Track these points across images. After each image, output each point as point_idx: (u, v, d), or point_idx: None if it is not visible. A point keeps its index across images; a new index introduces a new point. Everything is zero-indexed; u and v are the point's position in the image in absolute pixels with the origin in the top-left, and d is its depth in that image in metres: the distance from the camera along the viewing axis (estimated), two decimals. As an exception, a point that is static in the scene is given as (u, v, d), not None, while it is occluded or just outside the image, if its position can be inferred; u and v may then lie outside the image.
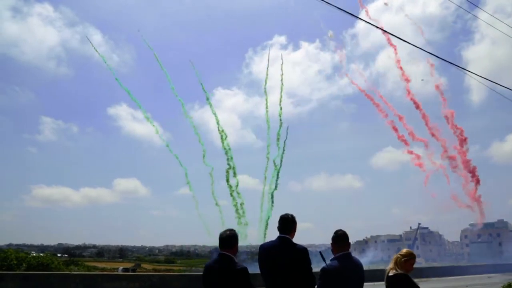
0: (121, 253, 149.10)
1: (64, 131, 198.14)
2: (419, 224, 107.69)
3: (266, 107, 63.75)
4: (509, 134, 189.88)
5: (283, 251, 4.14)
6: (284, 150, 60.68)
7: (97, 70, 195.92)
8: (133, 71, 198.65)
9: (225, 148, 59.56)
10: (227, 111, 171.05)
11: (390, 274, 4.29)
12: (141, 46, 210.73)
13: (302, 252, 4.14)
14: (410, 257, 4.37)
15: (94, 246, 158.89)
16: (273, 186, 59.85)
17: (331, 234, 4.32)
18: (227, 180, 58.50)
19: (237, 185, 59.48)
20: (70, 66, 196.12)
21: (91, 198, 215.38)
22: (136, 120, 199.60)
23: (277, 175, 60.34)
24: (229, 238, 4.11)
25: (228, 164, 58.54)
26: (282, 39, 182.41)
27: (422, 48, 9.47)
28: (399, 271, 4.27)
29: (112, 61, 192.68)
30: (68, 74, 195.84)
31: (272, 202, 58.82)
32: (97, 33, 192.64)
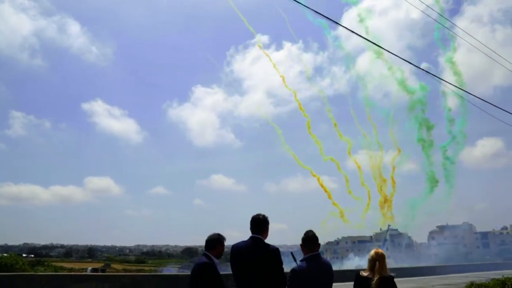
0: (90, 253, 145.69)
1: (36, 127, 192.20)
2: (389, 225, 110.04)
3: None
4: (479, 139, 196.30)
5: (255, 251, 4.13)
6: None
7: (74, 63, 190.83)
8: (112, 65, 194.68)
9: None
10: (207, 110, 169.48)
11: (386, 275, 4.33)
12: (123, 40, 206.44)
13: (274, 253, 4.14)
14: None
15: (62, 246, 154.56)
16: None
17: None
18: None
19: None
20: (45, 58, 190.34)
21: (62, 196, 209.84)
22: (112, 117, 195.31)
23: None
24: (213, 241, 4.56)
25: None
26: (265, 38, 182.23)
27: (398, 55, 9.68)
28: (388, 273, 4.36)
29: (91, 54, 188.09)
30: (42, 66, 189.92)
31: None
32: (75, 24, 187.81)
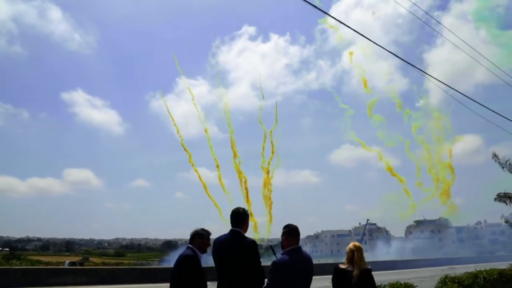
0: (68, 246, 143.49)
1: (13, 117, 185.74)
2: (368, 220, 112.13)
3: None
4: (459, 135, 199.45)
5: (234, 244, 4.18)
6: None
7: (55, 51, 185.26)
8: (95, 53, 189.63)
9: None
10: (190, 102, 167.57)
11: (364, 267, 4.50)
12: (107, 28, 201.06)
13: (251, 245, 4.17)
14: None
15: (38, 239, 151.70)
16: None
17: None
18: None
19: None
20: (24, 44, 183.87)
21: (39, 188, 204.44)
22: (93, 108, 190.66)
23: None
24: (197, 234, 4.65)
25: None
26: (252, 29, 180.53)
27: (386, 48, 9.79)
28: (366, 266, 4.52)
29: (73, 42, 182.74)
30: (21, 54, 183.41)
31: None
32: (57, 10, 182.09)
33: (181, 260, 4.47)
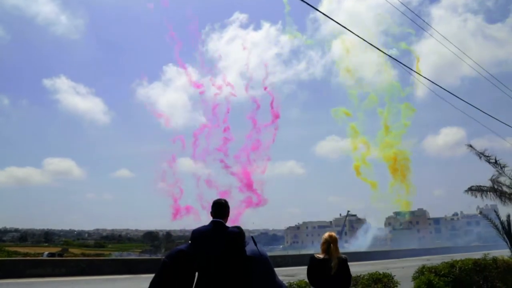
0: (47, 237, 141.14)
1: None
2: (348, 211, 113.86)
3: None
4: (442, 127, 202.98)
5: (217, 236, 4.11)
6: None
7: (39, 36, 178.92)
8: (83, 38, 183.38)
9: None
10: (178, 91, 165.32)
11: (341, 256, 4.56)
12: (98, 12, 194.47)
13: (239, 235, 4.13)
14: None
15: (16, 230, 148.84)
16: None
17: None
18: None
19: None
20: (6, 28, 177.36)
21: (18, 178, 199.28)
22: (78, 95, 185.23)
23: None
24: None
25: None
26: (243, 17, 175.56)
27: (370, 43, 9.87)
28: (341, 255, 4.60)
29: (60, 24, 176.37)
30: (3, 37, 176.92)
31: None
32: None
33: (176, 253, 4.27)
